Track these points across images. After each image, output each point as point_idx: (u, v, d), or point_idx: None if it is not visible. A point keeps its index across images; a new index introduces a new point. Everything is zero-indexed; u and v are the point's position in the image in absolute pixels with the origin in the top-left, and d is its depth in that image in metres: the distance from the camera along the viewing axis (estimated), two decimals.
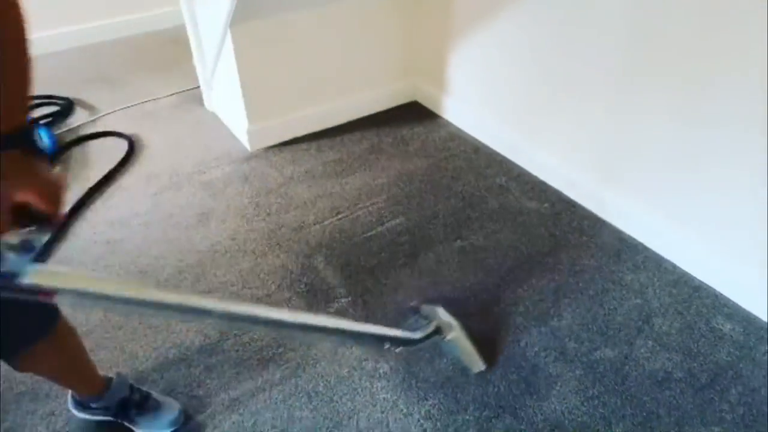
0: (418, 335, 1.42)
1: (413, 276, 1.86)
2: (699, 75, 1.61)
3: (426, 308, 1.55)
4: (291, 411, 1.47)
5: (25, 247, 0.80)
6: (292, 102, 2.53)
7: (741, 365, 1.55)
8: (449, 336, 1.47)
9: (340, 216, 2.12)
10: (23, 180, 0.76)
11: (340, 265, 1.90)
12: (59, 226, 0.79)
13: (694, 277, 1.82)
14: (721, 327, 1.66)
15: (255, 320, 1.04)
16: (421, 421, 1.44)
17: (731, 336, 1.63)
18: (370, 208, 2.15)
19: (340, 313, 1.73)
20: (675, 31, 1.62)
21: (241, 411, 1.46)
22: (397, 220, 2.09)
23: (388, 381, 1.54)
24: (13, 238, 0.79)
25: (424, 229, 2.06)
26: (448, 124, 2.68)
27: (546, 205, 2.16)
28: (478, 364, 1.54)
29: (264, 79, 2.38)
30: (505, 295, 1.78)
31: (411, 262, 1.91)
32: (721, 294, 1.75)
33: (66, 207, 0.75)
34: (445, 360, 1.58)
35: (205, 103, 2.81)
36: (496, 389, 1.51)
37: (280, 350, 1.62)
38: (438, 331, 1.46)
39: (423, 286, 1.82)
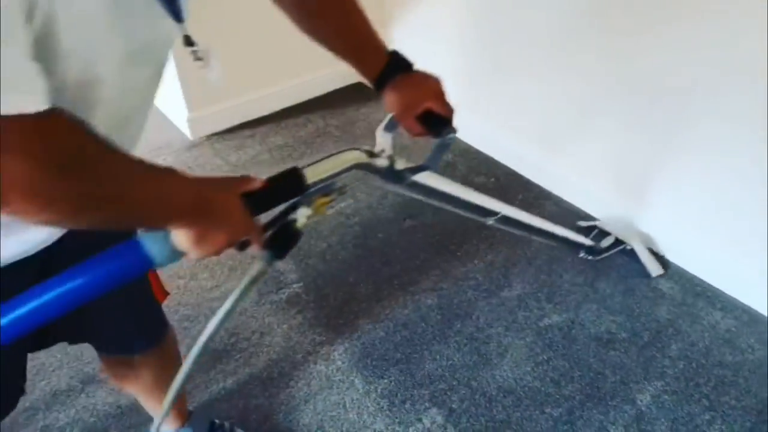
0: (606, 244, 1.71)
1: (363, 257, 1.86)
2: (635, 47, 1.65)
3: (602, 223, 1.82)
4: (247, 400, 1.46)
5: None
6: (234, 87, 2.46)
7: (680, 321, 1.62)
8: (631, 244, 1.72)
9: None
10: (424, 92, 0.89)
11: (290, 252, 1.87)
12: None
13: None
14: (660, 287, 1.73)
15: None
16: (378, 399, 1.45)
17: (670, 294, 1.70)
18: None
19: (292, 300, 1.71)
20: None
21: (195, 404, 1.44)
22: (346, 203, 2.08)
23: (343, 362, 1.54)
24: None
25: (374, 209, 2.05)
26: None
27: (493, 179, 2.19)
28: (657, 268, 1.72)
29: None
30: (457, 270, 1.80)
31: (361, 243, 1.91)
32: (660, 255, 1.82)
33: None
34: (399, 336, 1.60)
35: None
36: (450, 362, 1.53)
37: (233, 340, 1.59)
38: (619, 241, 1.74)
39: (374, 267, 1.82)
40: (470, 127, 2.35)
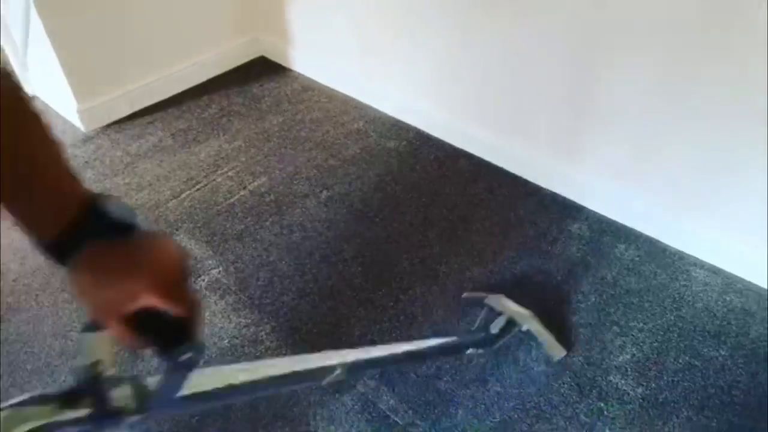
0: (495, 331, 1.41)
1: (283, 234, 1.83)
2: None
3: (491, 299, 1.51)
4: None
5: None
6: (125, 72, 2.32)
7: (589, 258, 1.72)
8: (525, 326, 1.44)
9: (198, 186, 2.01)
10: (139, 275, 0.51)
11: (206, 237, 1.82)
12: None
13: (544, 188, 1.96)
14: (570, 228, 1.82)
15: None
16: None
17: (579, 234, 1.79)
18: (230, 173, 2.07)
19: (212, 285, 1.67)
20: None
21: None
22: (260, 181, 2.03)
23: (272, 342, 1.52)
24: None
25: (289, 185, 2.02)
26: (298, 75, 2.61)
27: (404, 143, 2.20)
28: (559, 351, 1.45)
29: (85, 50, 2.15)
30: (378, 235, 1.81)
31: (279, 221, 1.87)
32: (569, 199, 1.91)
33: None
34: (326, 307, 1.59)
35: (24, 86, 2.50)
36: (378, 326, 1.55)
37: None
38: (512, 322, 1.43)
39: (295, 242, 1.80)
40: (377, 93, 2.35)
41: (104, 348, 0.57)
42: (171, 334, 0.53)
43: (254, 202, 1.94)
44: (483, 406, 1.36)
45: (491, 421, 1.33)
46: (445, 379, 1.42)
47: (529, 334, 1.46)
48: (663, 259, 1.70)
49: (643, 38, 1.50)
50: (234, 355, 1.49)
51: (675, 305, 1.57)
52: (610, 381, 1.40)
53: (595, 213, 1.86)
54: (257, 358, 1.48)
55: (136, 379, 0.62)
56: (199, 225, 1.86)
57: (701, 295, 1.60)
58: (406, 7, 2.02)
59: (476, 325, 1.49)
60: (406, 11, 2.02)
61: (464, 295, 1.61)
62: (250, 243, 1.80)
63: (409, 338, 1.51)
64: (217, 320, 1.57)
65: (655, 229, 1.75)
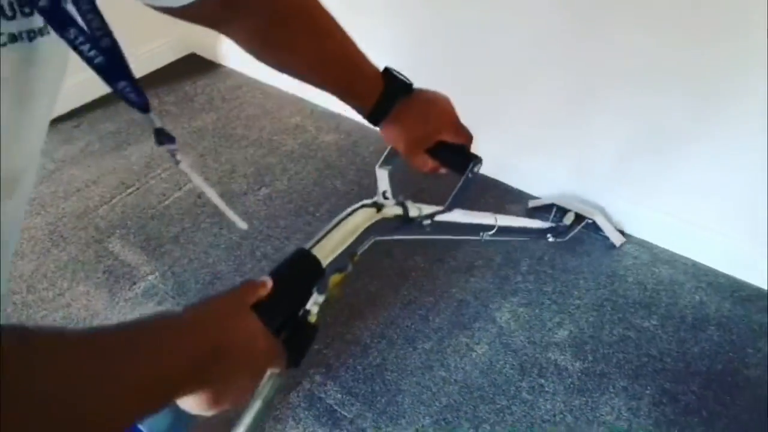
0: (569, 222, 1.68)
1: (222, 234, 1.79)
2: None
3: (558, 200, 1.74)
4: None
5: None
6: None
7: (526, 240, 1.76)
8: (593, 217, 1.68)
9: (130, 190, 1.94)
10: (436, 120, 0.72)
11: (140, 242, 1.76)
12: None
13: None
14: (508, 210, 1.86)
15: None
16: None
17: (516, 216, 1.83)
18: (163, 175, 2.01)
19: (149, 292, 1.62)
20: None
21: None
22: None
23: None
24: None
25: (226, 183, 1.98)
26: (231, 72, 2.55)
27: (342, 136, 2.19)
28: (620, 238, 1.72)
29: None
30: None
31: (218, 221, 1.83)
32: (503, 182, 1.95)
33: None
34: None
35: None
36: (323, 321, 1.54)
37: None
38: (581, 217, 1.69)
39: (235, 241, 1.76)
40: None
41: (386, 181, 0.75)
42: (461, 159, 0.72)
43: (190, 204, 1.89)
44: (429, 392, 1.38)
45: (437, 406, 1.35)
46: (390, 369, 1.43)
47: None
48: (598, 238, 1.76)
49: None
50: None
51: (608, 280, 1.63)
52: (549, 358, 1.44)
53: (526, 193, 1.91)
54: None
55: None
56: (132, 230, 1.79)
57: (632, 269, 1.67)
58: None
59: (550, 219, 1.70)
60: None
61: (530, 203, 1.86)
62: (187, 246, 1.75)
63: (355, 335, 1.51)
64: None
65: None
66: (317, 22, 0.69)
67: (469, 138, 0.74)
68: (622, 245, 1.72)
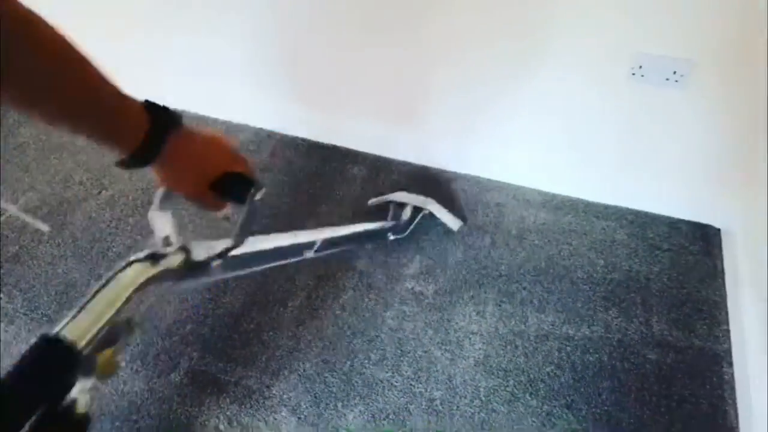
0: (407, 217, 1.69)
1: (67, 243, 1.72)
2: None
3: (394, 196, 1.76)
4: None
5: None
6: None
7: (372, 193, 1.91)
8: (428, 208, 1.72)
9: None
10: (215, 152, 0.70)
11: None
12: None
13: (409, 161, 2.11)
14: (351, 172, 2.00)
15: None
16: (129, 364, 1.43)
17: (358, 174, 1.98)
18: None
19: None
20: None
21: None
22: (26, 197, 1.87)
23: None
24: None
25: (60, 193, 1.89)
26: None
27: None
28: (457, 222, 1.74)
29: None
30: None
31: (59, 232, 1.75)
32: (353, 149, 2.09)
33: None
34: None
35: None
36: (190, 302, 1.57)
37: None
38: (418, 209, 1.71)
39: (83, 247, 1.71)
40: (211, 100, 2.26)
41: (169, 225, 0.69)
42: (243, 188, 0.71)
43: (22, 222, 1.79)
44: (305, 340, 1.48)
45: (315, 351, 1.45)
46: (265, 329, 1.50)
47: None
48: (429, 180, 1.96)
49: None
50: None
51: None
52: (406, 286, 1.61)
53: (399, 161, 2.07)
54: None
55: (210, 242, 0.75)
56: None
57: (464, 200, 1.89)
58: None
59: (389, 217, 1.72)
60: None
61: (370, 201, 1.84)
62: (30, 262, 1.67)
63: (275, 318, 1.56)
64: (12, 348, 1.45)
65: (419, 156, 2.02)
66: (58, 55, 0.53)
67: (246, 164, 0.73)
68: (460, 228, 1.75)
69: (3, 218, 1.79)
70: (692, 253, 1.70)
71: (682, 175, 1.73)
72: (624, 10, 1.46)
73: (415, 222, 1.72)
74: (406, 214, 1.72)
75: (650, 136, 1.70)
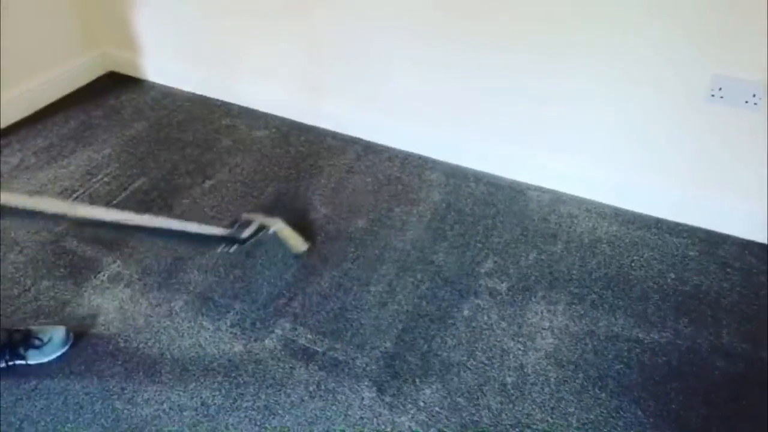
0: (247, 233, 1.69)
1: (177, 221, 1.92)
2: None
3: (245, 216, 1.77)
4: (96, 367, 1.47)
5: None
6: None
7: (450, 198, 2.04)
8: (273, 228, 1.74)
9: (75, 195, 2.02)
10: None
11: (96, 239, 1.85)
12: None
13: (405, 151, 2.27)
14: (428, 178, 2.13)
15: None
16: (229, 329, 1.58)
17: (437, 182, 2.12)
18: (106, 179, 2.10)
19: (115, 278, 1.72)
20: None
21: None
22: (140, 181, 2.09)
23: (186, 312, 1.63)
24: None
25: (170, 180, 2.10)
26: (154, 84, 2.67)
27: (273, 131, 2.38)
28: (302, 245, 1.80)
29: None
30: (263, 204, 1.98)
31: (168, 212, 1.96)
32: (427, 156, 2.23)
33: None
34: (233, 275, 1.73)
35: None
36: (284, 281, 1.72)
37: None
38: (261, 227, 1.73)
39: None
40: (235, 89, 2.50)
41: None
42: None
43: (138, 200, 2.01)
44: (386, 322, 1.60)
45: (395, 332, 1.57)
46: (349, 309, 1.64)
47: None
48: (504, 189, 2.07)
49: None
50: (151, 331, 1.57)
51: (517, 220, 1.95)
52: (480, 283, 1.72)
53: (446, 163, 2.20)
54: (175, 329, 1.58)
55: None
56: (86, 230, 1.88)
57: (537, 209, 1.99)
58: (251, 7, 2.21)
59: (232, 228, 1.72)
60: (255, 7, 2.22)
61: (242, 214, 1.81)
62: (143, 235, 1.87)
63: (314, 287, 1.71)
64: (127, 306, 1.64)
65: (495, 167, 2.14)
66: None
67: None
68: (301, 253, 1.78)
69: (119, 200, 2.01)
70: (763, 273, 1.74)
71: (757, 198, 1.78)
72: (706, 33, 1.56)
73: (256, 237, 1.72)
74: (250, 230, 1.71)
75: (726, 158, 1.76)
